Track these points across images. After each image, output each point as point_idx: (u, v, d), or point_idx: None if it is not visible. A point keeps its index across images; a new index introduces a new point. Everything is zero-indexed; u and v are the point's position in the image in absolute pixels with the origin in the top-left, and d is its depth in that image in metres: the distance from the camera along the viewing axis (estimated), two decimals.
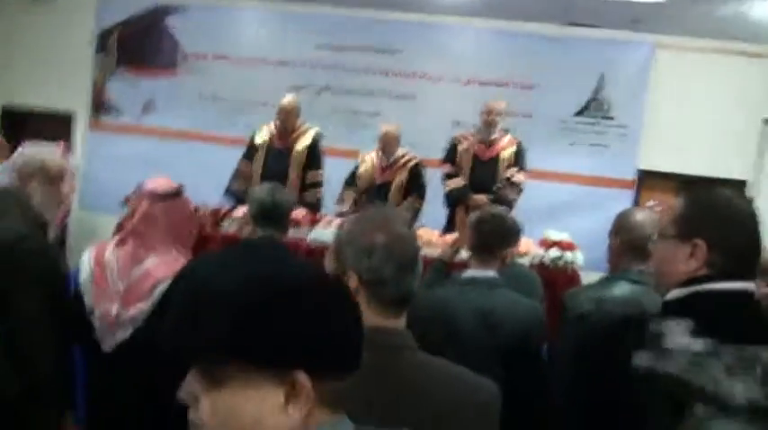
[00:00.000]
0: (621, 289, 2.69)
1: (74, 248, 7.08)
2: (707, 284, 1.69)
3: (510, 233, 3.24)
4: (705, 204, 1.78)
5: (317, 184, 6.39)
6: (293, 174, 6.30)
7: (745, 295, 1.70)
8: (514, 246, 3.26)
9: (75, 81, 8.54)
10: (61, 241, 7.27)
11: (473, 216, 3.34)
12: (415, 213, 6.21)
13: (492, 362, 2.89)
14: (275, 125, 6.39)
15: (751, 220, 1.74)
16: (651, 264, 1.90)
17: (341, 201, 6.33)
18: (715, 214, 1.75)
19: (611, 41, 7.64)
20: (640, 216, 2.81)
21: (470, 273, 3.13)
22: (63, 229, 7.39)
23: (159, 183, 3.10)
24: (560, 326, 2.87)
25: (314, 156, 6.39)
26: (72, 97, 8.58)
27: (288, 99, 6.32)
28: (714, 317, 1.65)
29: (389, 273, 1.65)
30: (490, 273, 3.10)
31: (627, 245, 2.80)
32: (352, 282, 1.67)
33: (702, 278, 1.71)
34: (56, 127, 8.34)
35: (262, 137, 6.39)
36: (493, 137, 6.23)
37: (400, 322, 1.70)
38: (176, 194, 3.12)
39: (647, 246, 2.40)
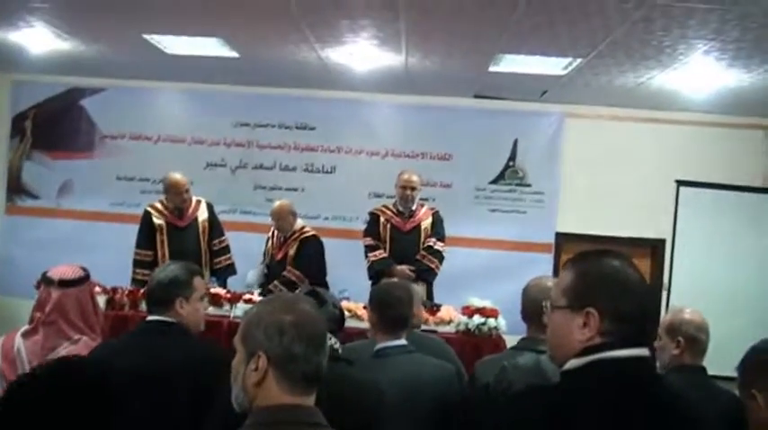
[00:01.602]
0: (527, 358, 2.71)
1: None
2: (602, 353, 1.71)
3: (411, 300, 3.33)
4: (595, 274, 1.79)
5: (226, 249, 6.59)
6: (204, 247, 6.46)
7: (640, 361, 1.73)
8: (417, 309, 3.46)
9: None
10: None
11: (374, 294, 3.42)
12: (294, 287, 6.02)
13: (414, 425, 2.92)
14: (165, 203, 6.47)
15: (640, 288, 1.77)
16: (546, 335, 1.91)
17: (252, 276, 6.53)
18: (605, 283, 1.76)
19: (522, 112, 7.87)
20: (541, 285, 2.86)
21: (382, 344, 3.17)
22: None
23: (64, 270, 3.07)
24: (468, 396, 2.89)
25: (215, 224, 6.58)
26: None
27: (179, 175, 6.41)
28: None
29: (300, 350, 1.70)
30: (402, 341, 3.16)
31: (529, 314, 2.85)
32: (261, 362, 1.70)
33: (598, 347, 1.72)
34: None
35: (158, 218, 6.43)
36: (412, 208, 6.33)
37: (310, 400, 1.73)
38: (84, 280, 3.10)
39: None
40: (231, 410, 1.79)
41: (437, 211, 6.45)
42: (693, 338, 3.09)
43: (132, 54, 6.90)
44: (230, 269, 6.48)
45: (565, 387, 1.76)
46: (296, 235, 6.44)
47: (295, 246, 6.39)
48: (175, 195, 6.33)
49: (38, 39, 6.43)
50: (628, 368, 1.71)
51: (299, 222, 6.51)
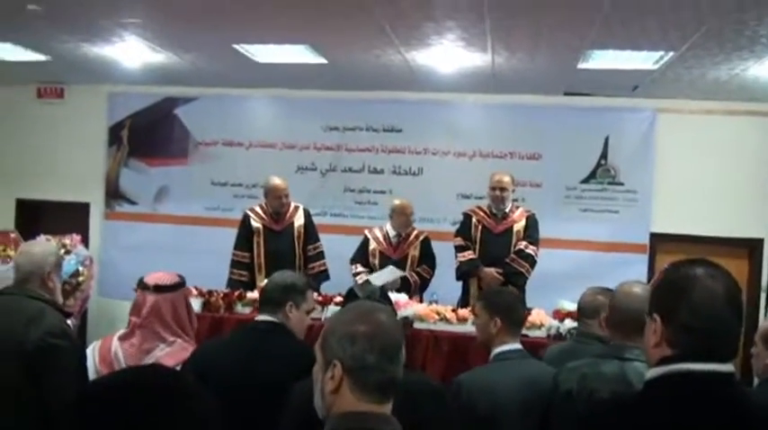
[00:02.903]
0: (611, 366, 2.65)
1: (94, 335, 7.16)
2: (675, 365, 1.68)
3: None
4: (667, 281, 1.78)
5: (321, 255, 6.65)
6: (298, 251, 6.54)
7: (715, 376, 1.67)
8: None
9: (90, 172, 8.71)
10: (81, 328, 7.35)
11: (496, 298, 3.48)
12: (425, 282, 6.40)
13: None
14: (264, 207, 6.58)
15: (710, 300, 1.69)
16: None
17: (356, 274, 6.40)
18: (669, 290, 1.74)
19: (613, 108, 7.69)
20: (629, 290, 2.79)
21: (500, 348, 3.24)
22: (83, 316, 7.45)
23: (160, 276, 3.17)
24: (550, 404, 2.87)
25: (310, 231, 6.65)
26: (87, 188, 8.74)
27: (279, 180, 6.54)
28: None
29: (372, 360, 1.71)
30: (518, 346, 3.26)
31: (615, 321, 2.79)
32: (337, 370, 1.72)
33: (671, 358, 1.69)
34: (72, 217, 8.46)
35: (255, 221, 6.55)
36: (506, 210, 6.27)
37: (384, 408, 1.74)
38: (179, 286, 3.18)
39: (634, 320, 2.40)
40: (306, 411, 1.83)
41: (533, 214, 6.35)
42: None
43: (223, 63, 7.07)
44: (323, 275, 6.55)
45: (641, 397, 1.74)
46: (413, 235, 6.53)
47: (419, 247, 6.47)
48: (274, 199, 6.46)
49: (131, 52, 6.66)
50: (700, 382, 1.66)
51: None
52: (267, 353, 2.89)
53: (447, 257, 6.46)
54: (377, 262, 6.43)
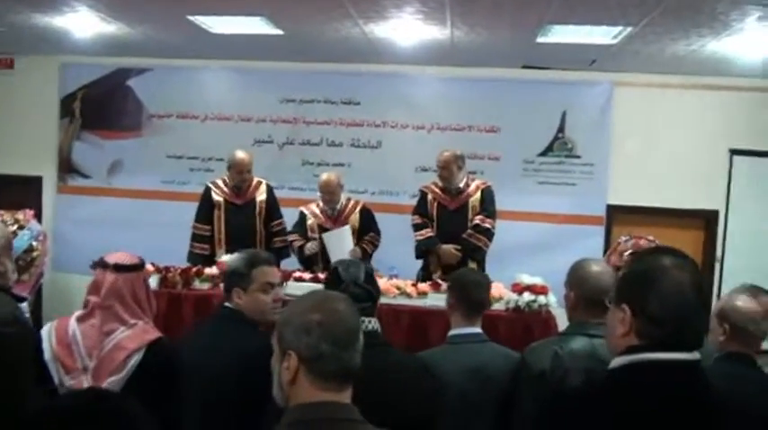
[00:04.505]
0: (580, 343, 2.67)
1: (49, 309, 7.07)
2: (641, 354, 1.69)
3: (490, 285, 3.41)
4: (636, 271, 1.78)
5: (283, 232, 6.57)
6: (260, 227, 6.47)
7: (681, 365, 1.69)
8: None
9: (42, 145, 8.53)
10: (36, 303, 7.22)
11: (454, 277, 3.42)
12: (374, 248, 6.38)
13: (481, 416, 2.93)
14: (226, 181, 6.49)
15: (679, 292, 1.70)
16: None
17: (299, 246, 6.37)
18: (639, 282, 1.74)
19: (571, 82, 7.70)
20: (595, 268, 2.81)
21: (456, 331, 3.17)
22: (38, 292, 7.31)
23: (120, 256, 3.10)
24: (520, 384, 2.87)
25: (273, 206, 6.57)
26: (39, 162, 8.56)
27: (244, 154, 6.44)
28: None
29: (326, 349, 1.71)
30: (477, 329, 3.13)
31: (581, 298, 2.80)
32: (292, 361, 1.72)
33: (637, 348, 1.71)
34: (24, 191, 8.29)
35: (217, 194, 6.46)
36: (459, 185, 6.19)
37: (343, 396, 1.74)
38: (139, 267, 3.12)
39: (602, 299, 2.41)
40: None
41: (487, 187, 6.23)
42: (741, 328, 2.94)
43: (177, 34, 6.93)
44: (284, 250, 6.48)
45: (607, 386, 1.76)
46: (350, 207, 6.46)
47: (357, 218, 6.40)
48: (236, 173, 6.37)
49: (83, 22, 6.50)
50: (666, 372, 1.68)
51: (343, 195, 6.50)
52: (221, 342, 2.86)
53: (406, 230, 6.41)
54: (317, 236, 6.34)
